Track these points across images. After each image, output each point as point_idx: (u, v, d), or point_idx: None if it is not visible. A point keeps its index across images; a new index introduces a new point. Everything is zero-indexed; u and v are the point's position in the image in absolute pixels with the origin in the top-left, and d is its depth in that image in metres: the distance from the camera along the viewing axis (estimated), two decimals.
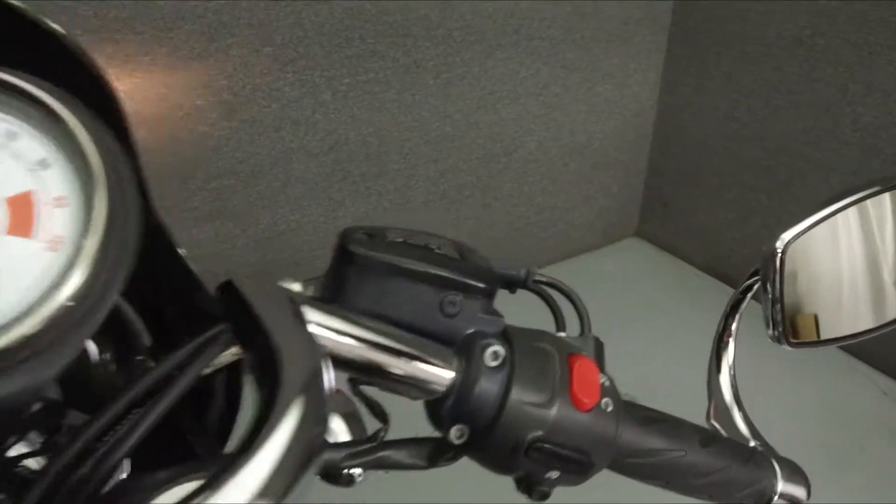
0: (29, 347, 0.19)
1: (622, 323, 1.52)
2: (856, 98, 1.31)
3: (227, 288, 0.23)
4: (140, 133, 0.38)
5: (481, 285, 0.28)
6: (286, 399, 0.19)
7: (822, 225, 0.32)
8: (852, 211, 0.35)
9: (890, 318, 0.36)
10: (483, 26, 1.29)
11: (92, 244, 0.20)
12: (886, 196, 0.36)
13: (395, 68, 1.21)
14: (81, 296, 0.20)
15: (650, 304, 1.57)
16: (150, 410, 0.21)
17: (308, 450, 0.19)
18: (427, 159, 1.35)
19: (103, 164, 0.21)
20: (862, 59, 1.28)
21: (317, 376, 0.21)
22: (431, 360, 0.27)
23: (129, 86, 0.99)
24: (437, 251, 0.28)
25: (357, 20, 1.13)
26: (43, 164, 0.21)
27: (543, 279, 0.34)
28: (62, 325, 0.19)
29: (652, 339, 1.42)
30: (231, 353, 0.23)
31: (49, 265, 0.20)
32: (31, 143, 0.21)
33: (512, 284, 0.32)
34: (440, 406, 0.27)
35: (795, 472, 0.33)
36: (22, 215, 0.21)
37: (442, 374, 0.27)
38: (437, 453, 0.28)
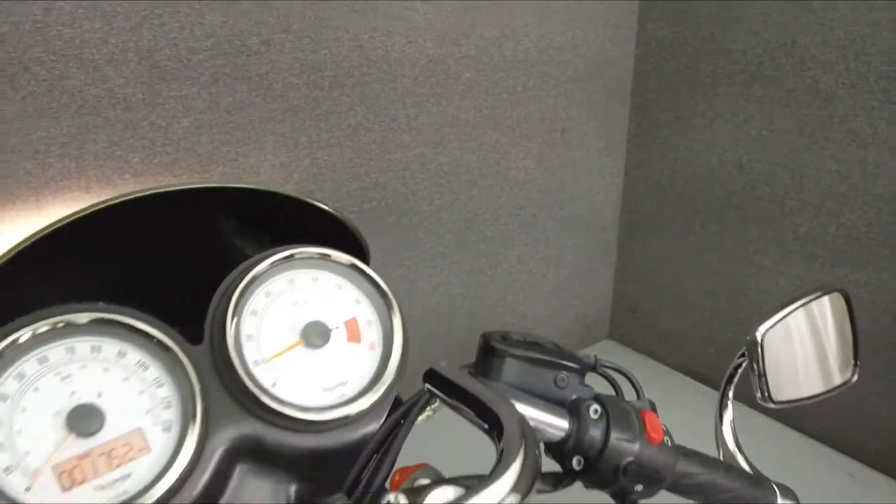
0: (370, 413, 0.31)
1: None
2: (793, 212, 1.52)
3: (432, 373, 0.34)
4: None
5: (578, 366, 0.40)
6: (514, 440, 0.30)
7: (786, 319, 0.46)
8: (805, 309, 0.49)
9: (835, 384, 0.49)
10: (468, 160, 1.48)
11: (397, 348, 0.32)
12: (825, 299, 0.50)
13: (395, 197, 1.37)
14: (394, 382, 0.32)
15: None
16: (388, 453, 0.32)
17: (534, 470, 0.29)
18: (421, 275, 1.48)
19: (398, 305, 0.34)
20: (794, 178, 1.49)
21: (524, 422, 0.32)
22: (554, 414, 0.38)
23: None
24: (545, 345, 0.40)
25: (361, 159, 1.30)
26: (358, 300, 0.34)
27: (608, 364, 0.46)
28: (386, 400, 0.32)
29: None
30: (426, 413, 0.34)
31: (371, 359, 0.33)
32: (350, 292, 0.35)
33: (585, 368, 0.44)
34: (562, 445, 0.39)
35: (788, 493, 0.45)
36: (352, 330, 0.33)
37: (561, 424, 0.38)
38: (558, 480, 0.39)
